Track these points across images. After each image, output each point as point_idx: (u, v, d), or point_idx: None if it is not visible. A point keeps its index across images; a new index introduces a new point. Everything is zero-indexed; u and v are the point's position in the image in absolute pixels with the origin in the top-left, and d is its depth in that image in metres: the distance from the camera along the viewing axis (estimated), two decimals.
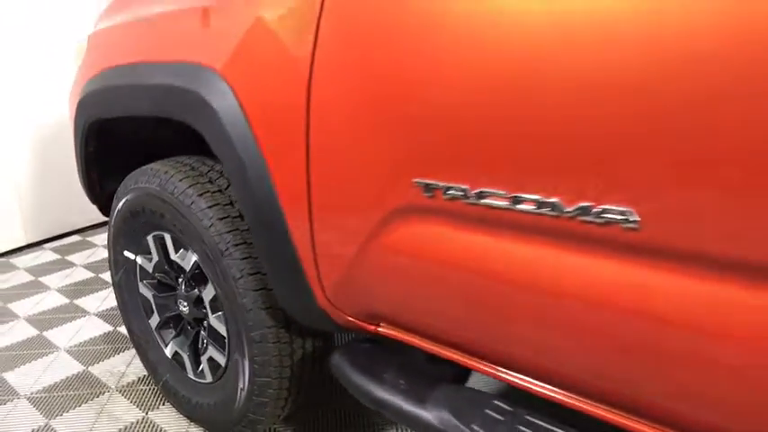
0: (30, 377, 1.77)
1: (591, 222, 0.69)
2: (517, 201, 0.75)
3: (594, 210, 0.69)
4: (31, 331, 2.06)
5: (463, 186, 0.80)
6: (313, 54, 0.92)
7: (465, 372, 1.09)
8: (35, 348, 1.94)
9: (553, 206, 0.72)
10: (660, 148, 0.63)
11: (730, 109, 0.58)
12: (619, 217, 0.67)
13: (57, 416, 1.58)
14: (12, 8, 2.66)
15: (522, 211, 0.75)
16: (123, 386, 1.71)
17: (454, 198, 0.82)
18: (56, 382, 1.74)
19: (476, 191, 0.79)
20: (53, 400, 1.65)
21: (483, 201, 0.78)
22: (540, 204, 0.73)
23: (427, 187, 0.84)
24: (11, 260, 2.76)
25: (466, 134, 0.78)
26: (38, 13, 2.76)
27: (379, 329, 1.07)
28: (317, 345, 1.28)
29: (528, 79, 0.70)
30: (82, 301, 2.28)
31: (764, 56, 0.55)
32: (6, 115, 2.72)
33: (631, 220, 0.66)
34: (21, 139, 2.80)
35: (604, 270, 0.71)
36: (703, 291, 0.65)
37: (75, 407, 1.62)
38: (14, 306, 2.26)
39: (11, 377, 1.77)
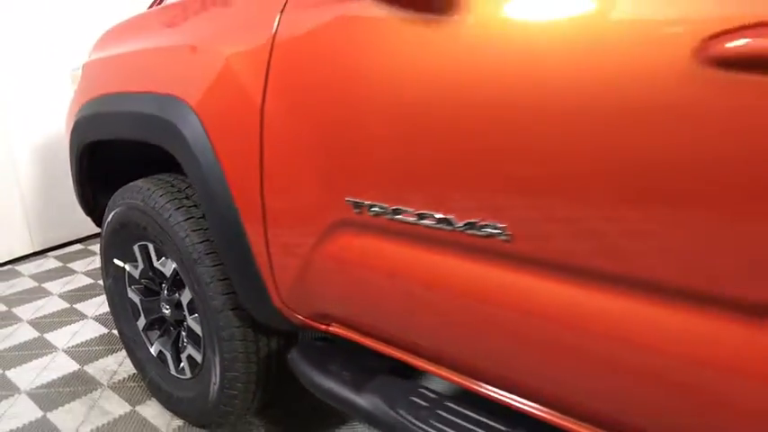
0: (30, 374, 1.93)
1: (476, 235, 0.84)
2: (422, 217, 0.90)
3: (478, 225, 0.83)
4: (33, 333, 2.22)
5: (383, 204, 0.95)
6: (264, 92, 1.08)
7: (404, 366, 1.24)
8: (36, 349, 2.10)
9: (448, 221, 0.87)
10: (521, 178, 0.78)
11: (565, 150, 0.73)
12: (495, 231, 0.82)
13: (53, 409, 1.74)
14: (20, 21, 2.84)
15: (426, 226, 0.90)
16: (114, 383, 1.86)
17: (377, 214, 0.97)
18: (53, 379, 1.90)
19: (392, 208, 0.94)
20: (50, 396, 1.80)
21: (397, 216, 0.94)
22: (438, 220, 0.88)
23: (356, 205, 0.99)
24: (16, 267, 2.93)
25: (381, 163, 0.93)
26: (45, 26, 2.94)
27: (330, 329, 1.22)
28: (281, 343, 1.42)
29: (418, 127, 0.86)
30: (81, 306, 2.45)
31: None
32: (14, 131, 2.91)
33: (505, 233, 0.81)
34: (28, 154, 2.98)
35: (488, 274, 0.86)
36: (565, 292, 0.80)
37: (70, 401, 1.77)
38: (18, 310, 2.43)
39: (13, 374, 1.93)
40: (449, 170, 0.84)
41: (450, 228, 0.87)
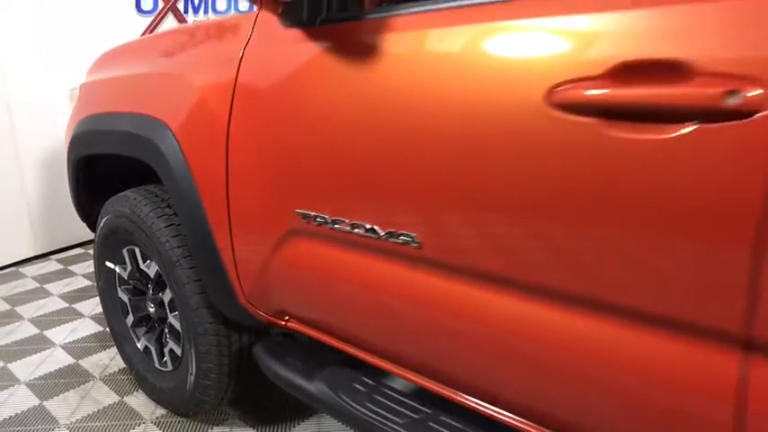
0: (29, 367, 2.10)
1: (394, 242, 1.00)
2: (354, 227, 1.06)
3: (396, 234, 0.99)
4: (34, 330, 2.39)
5: (324, 215, 1.11)
6: (229, 117, 1.24)
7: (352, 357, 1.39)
8: (35, 344, 2.27)
9: (374, 231, 1.03)
10: (423, 196, 0.93)
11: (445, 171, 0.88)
12: (409, 239, 0.97)
13: (49, 398, 1.90)
14: (26, 31, 3.02)
15: (358, 234, 1.06)
16: (106, 376, 2.02)
17: (320, 224, 1.13)
18: (50, 372, 2.06)
19: (331, 219, 1.10)
20: (47, 386, 1.97)
21: (336, 226, 1.09)
22: (366, 230, 1.04)
23: (304, 216, 1.15)
24: (20, 269, 3.11)
25: (320, 180, 1.09)
26: (51, 36, 3.11)
27: (288, 324, 1.37)
28: (251, 338, 1.58)
29: (346, 152, 1.02)
30: (79, 306, 2.61)
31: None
32: (22, 141, 3.09)
33: (416, 241, 0.97)
34: (33, 162, 3.16)
35: (406, 275, 1.02)
36: (465, 290, 0.95)
37: (65, 391, 1.93)
38: (20, 309, 2.60)
39: (14, 367, 2.10)
40: (371, 189, 1.00)
41: (375, 236, 1.03)
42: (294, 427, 1.72)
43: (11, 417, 1.81)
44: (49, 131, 3.18)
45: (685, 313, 0.70)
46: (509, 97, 0.80)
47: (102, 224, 1.79)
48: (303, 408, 1.78)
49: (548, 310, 0.83)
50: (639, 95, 0.68)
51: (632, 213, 0.72)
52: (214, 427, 1.73)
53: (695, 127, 0.64)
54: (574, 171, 0.75)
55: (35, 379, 2.02)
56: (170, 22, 3.63)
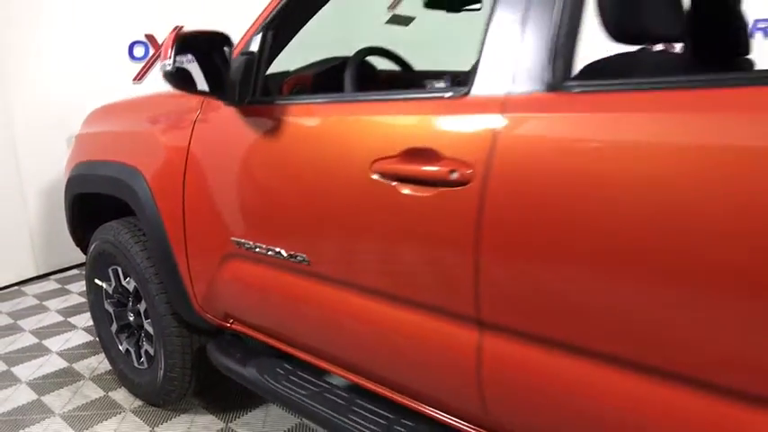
0: (30, 370, 2.48)
1: (296, 261, 1.41)
2: (268, 250, 1.47)
3: (294, 254, 1.40)
4: (34, 340, 2.78)
5: (249, 242, 1.52)
6: (185, 165, 1.66)
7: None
8: (35, 351, 2.66)
9: (280, 253, 1.43)
10: (307, 228, 1.34)
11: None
12: (302, 258, 1.38)
13: (45, 394, 2.28)
14: (31, 73, 3.45)
15: (271, 256, 1.47)
16: (94, 376, 2.41)
17: (248, 249, 1.53)
18: (47, 373, 2.45)
19: (255, 244, 1.50)
20: (44, 385, 2.35)
21: (257, 250, 1.50)
22: (275, 252, 1.45)
23: (237, 243, 1.56)
24: (22, 288, 3.50)
25: (243, 216, 1.50)
26: (52, 77, 3.54)
27: (232, 326, 1.77)
28: (206, 338, 1.97)
29: (256, 196, 1.44)
30: (73, 319, 3.00)
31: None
32: (25, 168, 3.49)
33: (305, 259, 1.38)
34: (36, 188, 3.56)
35: (304, 284, 1.42)
36: (345, 296, 1.35)
37: (59, 389, 2.32)
38: (22, 322, 2.99)
39: (16, 370, 2.49)
40: (277, 224, 1.42)
41: (282, 257, 1.43)
42: (246, 414, 2.10)
43: (14, 408, 2.19)
44: (49, 165, 3.59)
45: (438, 301, 1.11)
46: (349, 164, 1.22)
47: (91, 248, 2.19)
48: (255, 399, 2.16)
49: (376, 303, 1.24)
50: (414, 169, 1.10)
51: (408, 236, 1.13)
52: (181, 414, 2.11)
53: (440, 189, 1.05)
54: (384, 212, 1.16)
55: (34, 379, 2.41)
56: (159, 67, 4.07)
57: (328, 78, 1.77)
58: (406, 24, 2.45)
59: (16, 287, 3.53)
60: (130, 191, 1.83)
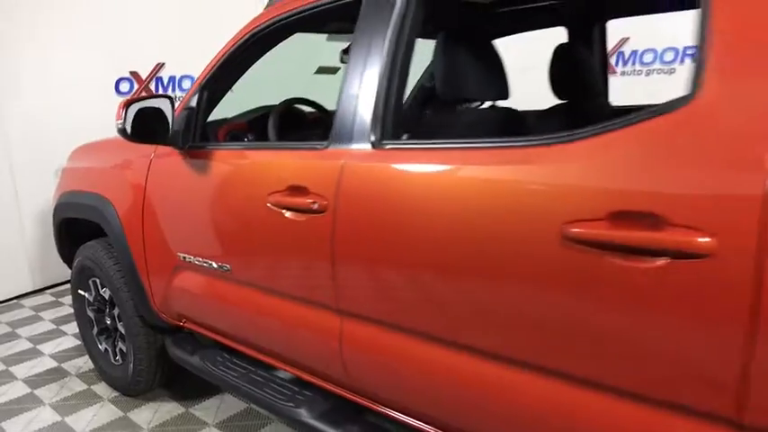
0: (25, 369, 2.89)
1: (222, 270, 1.82)
2: (204, 262, 1.88)
3: (219, 265, 1.81)
4: (29, 345, 3.19)
5: (190, 257, 1.93)
6: (144, 195, 2.08)
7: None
8: (30, 354, 3.06)
9: (211, 264, 1.85)
10: (228, 247, 1.76)
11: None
12: (226, 268, 1.80)
13: (37, 388, 2.69)
14: (29, 106, 3.88)
15: (206, 267, 1.88)
16: (80, 373, 2.82)
17: (190, 262, 1.95)
18: (40, 372, 2.85)
19: (195, 258, 1.92)
20: (37, 381, 2.76)
21: (196, 262, 1.92)
22: (208, 264, 1.86)
23: (183, 257, 1.97)
24: (20, 301, 3.92)
25: (187, 237, 1.92)
26: (46, 110, 3.98)
27: (184, 324, 2.18)
28: (166, 336, 2.37)
29: (189, 221, 1.85)
30: (64, 327, 3.41)
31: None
32: (23, 191, 3.92)
33: (226, 269, 1.79)
34: (33, 209, 3.99)
35: (229, 287, 1.83)
36: (257, 296, 1.76)
37: (49, 384, 2.72)
38: (19, 330, 3.40)
39: (13, 369, 2.89)
40: (207, 242, 1.83)
41: (213, 267, 1.85)
42: (204, 401, 2.50)
43: (11, 400, 2.60)
44: (44, 191, 4.01)
45: (312, 296, 1.53)
46: (252, 197, 1.63)
47: (75, 263, 2.61)
48: (212, 389, 2.56)
49: (273, 299, 1.65)
50: (293, 201, 1.51)
51: (291, 249, 1.54)
52: (149, 402, 2.51)
53: (309, 216, 1.46)
54: (275, 232, 1.58)
55: (29, 377, 2.81)
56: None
57: (257, 125, 2.20)
58: (334, 73, 2.88)
59: (15, 300, 3.95)
60: (103, 217, 2.25)
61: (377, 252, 1.35)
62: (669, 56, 4.56)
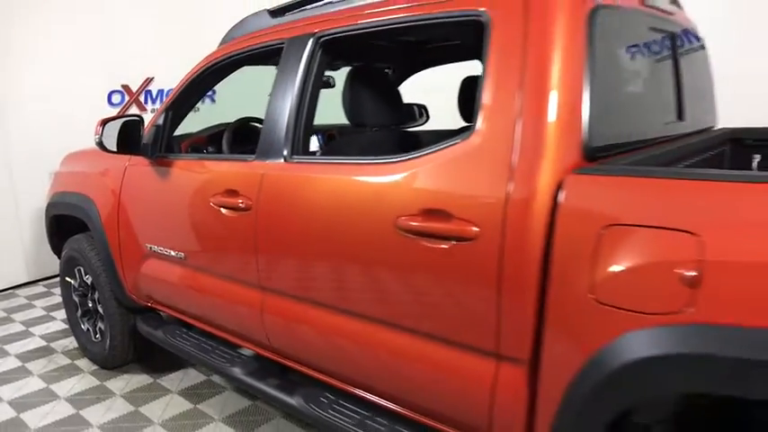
0: (17, 347, 3.30)
1: (180, 258, 2.24)
2: (165, 250, 2.30)
3: (177, 253, 2.23)
4: (22, 328, 3.60)
5: (156, 247, 2.35)
6: (120, 194, 2.50)
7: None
8: (22, 336, 3.47)
9: (170, 252, 2.27)
10: (180, 238, 2.18)
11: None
12: (181, 255, 2.22)
13: (28, 362, 3.10)
14: (29, 114, 4.30)
15: (167, 255, 2.30)
16: (65, 351, 3.22)
17: (155, 251, 2.37)
18: (30, 349, 3.26)
19: (158, 247, 2.34)
20: (28, 356, 3.16)
21: (160, 251, 2.33)
22: (169, 253, 2.28)
23: (149, 247, 2.40)
24: (16, 292, 4.33)
25: (152, 231, 2.34)
26: (43, 118, 4.40)
27: (152, 305, 2.59)
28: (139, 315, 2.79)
29: (156, 218, 2.28)
30: (54, 314, 3.82)
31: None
32: (20, 188, 4.33)
33: (182, 257, 2.21)
34: (30, 205, 4.40)
35: (185, 271, 2.25)
36: (205, 278, 2.18)
37: (39, 359, 3.13)
38: (14, 316, 3.81)
39: (7, 347, 3.30)
40: (166, 235, 2.25)
41: (172, 255, 2.27)
42: (171, 373, 2.91)
43: (4, 371, 3.01)
44: (39, 191, 4.42)
45: (240, 276, 1.94)
46: (198, 197, 2.05)
47: (64, 254, 3.03)
48: (178, 363, 2.96)
49: (215, 280, 2.07)
50: (228, 201, 1.93)
51: (226, 239, 1.96)
52: (124, 374, 2.92)
53: (240, 213, 1.88)
54: (215, 226, 2.00)
55: (20, 353, 3.22)
56: (134, 110, 4.95)
57: (214, 139, 2.63)
58: None
59: (11, 290, 4.36)
60: (87, 213, 2.67)
61: (285, 240, 1.77)
62: None
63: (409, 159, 1.43)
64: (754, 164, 2.19)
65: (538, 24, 1.27)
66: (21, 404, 2.67)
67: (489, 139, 1.30)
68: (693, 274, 0.98)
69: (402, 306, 1.48)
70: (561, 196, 1.17)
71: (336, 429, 1.67)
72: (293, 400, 1.84)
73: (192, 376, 2.89)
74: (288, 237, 1.76)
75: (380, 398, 1.65)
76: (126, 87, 4.87)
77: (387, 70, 2.73)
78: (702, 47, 2.10)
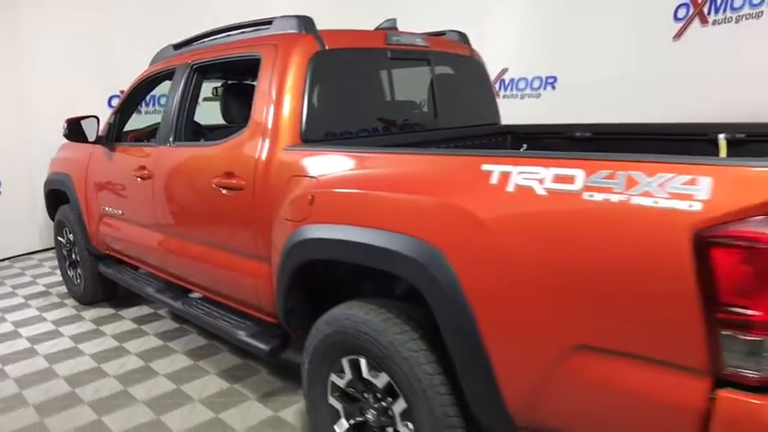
0: (25, 291, 4.35)
1: (119, 215, 3.22)
2: (112, 210, 3.29)
3: (117, 211, 3.22)
4: (30, 279, 4.67)
5: (107, 208, 3.35)
6: (87, 170, 3.51)
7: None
8: (30, 285, 4.54)
9: (116, 211, 3.25)
10: (122, 201, 3.17)
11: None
12: (120, 212, 3.20)
13: (29, 300, 4.14)
14: (42, 109, 5.39)
15: (114, 214, 3.29)
16: (59, 293, 4.26)
17: (107, 212, 3.36)
18: (33, 293, 4.32)
19: (110, 209, 3.33)
20: (30, 297, 4.21)
21: (111, 211, 3.32)
22: (114, 211, 3.26)
23: (104, 209, 3.39)
24: (31, 256, 5.44)
25: (107, 196, 3.34)
26: (52, 115, 5.47)
27: (110, 253, 3.58)
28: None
29: (108, 187, 3.28)
30: (57, 272, 4.89)
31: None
32: (36, 170, 5.42)
33: (119, 213, 3.19)
34: (41, 186, 5.48)
35: (125, 226, 3.23)
36: (138, 229, 3.15)
37: (37, 298, 4.18)
38: (26, 272, 4.90)
39: (18, 291, 4.37)
40: (114, 198, 3.24)
41: (116, 213, 3.25)
42: (131, 308, 3.90)
43: (12, 305, 4.06)
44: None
45: (146, 222, 2.90)
46: (128, 170, 3.02)
47: (56, 219, 4.07)
48: (137, 301, 3.95)
49: (150, 232, 3.04)
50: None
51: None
52: (96, 308, 3.93)
53: (145, 181, 2.84)
54: (137, 188, 2.96)
55: (26, 295, 4.28)
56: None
57: (153, 133, 3.61)
58: (216, 101, 4.30)
59: (28, 255, 5.48)
60: (67, 187, 3.69)
61: (167, 196, 2.72)
62: (536, 83, 5.74)
63: (219, 144, 2.38)
64: (523, 149, 3.03)
65: (281, 63, 2.18)
66: (19, 323, 3.71)
67: (255, 129, 2.22)
68: (311, 198, 1.88)
69: (215, 231, 2.42)
70: (278, 160, 2.09)
71: (196, 317, 2.63)
72: (176, 304, 2.80)
73: (146, 310, 3.88)
74: (167, 193, 2.71)
75: (204, 291, 2.62)
76: (124, 93, 5.92)
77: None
78: (479, 64, 2.96)
